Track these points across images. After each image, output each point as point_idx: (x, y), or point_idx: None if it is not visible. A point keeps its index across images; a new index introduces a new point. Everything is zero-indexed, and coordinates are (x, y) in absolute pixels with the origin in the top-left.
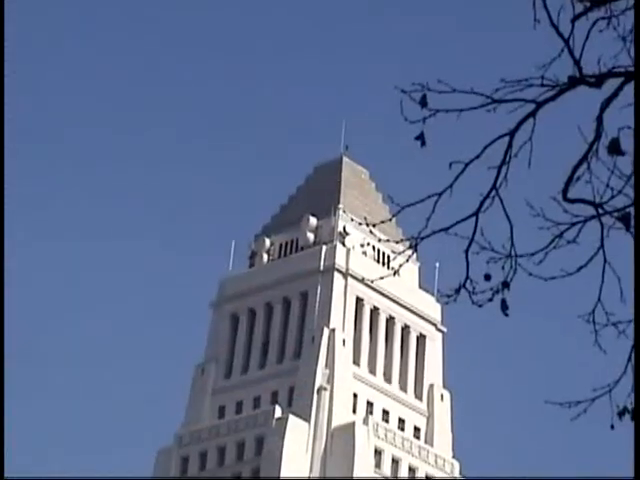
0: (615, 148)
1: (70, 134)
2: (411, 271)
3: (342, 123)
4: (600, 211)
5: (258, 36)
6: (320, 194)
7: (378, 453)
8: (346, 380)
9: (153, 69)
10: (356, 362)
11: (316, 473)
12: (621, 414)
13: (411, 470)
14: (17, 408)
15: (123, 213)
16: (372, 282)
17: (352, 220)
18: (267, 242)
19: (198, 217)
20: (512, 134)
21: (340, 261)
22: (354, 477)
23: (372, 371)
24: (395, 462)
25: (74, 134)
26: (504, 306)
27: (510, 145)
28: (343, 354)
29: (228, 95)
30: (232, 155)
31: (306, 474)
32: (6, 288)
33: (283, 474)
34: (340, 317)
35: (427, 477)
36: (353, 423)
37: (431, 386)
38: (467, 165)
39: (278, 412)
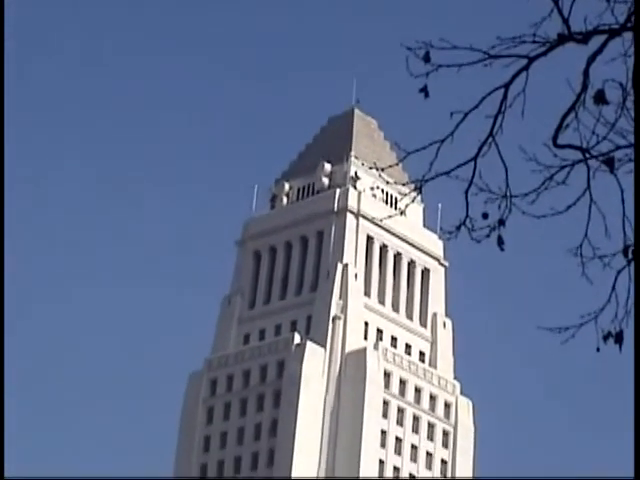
0: (600, 98)
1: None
2: (416, 211)
3: (353, 78)
4: (587, 155)
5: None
6: (334, 142)
7: (387, 375)
8: (358, 310)
9: (165, 32)
10: (367, 294)
11: (331, 394)
12: (606, 338)
13: (417, 390)
14: (52, 334)
15: (162, 164)
16: (381, 221)
17: (363, 165)
18: (286, 186)
19: (225, 164)
20: (507, 86)
21: (352, 203)
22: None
23: (381, 302)
24: (402, 383)
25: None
26: (500, 241)
27: (505, 96)
28: (355, 287)
29: (253, 53)
30: (254, 108)
31: (322, 395)
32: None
33: (302, 395)
34: (352, 253)
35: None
36: (365, 348)
37: (434, 315)
38: (466, 115)
39: (297, 339)
